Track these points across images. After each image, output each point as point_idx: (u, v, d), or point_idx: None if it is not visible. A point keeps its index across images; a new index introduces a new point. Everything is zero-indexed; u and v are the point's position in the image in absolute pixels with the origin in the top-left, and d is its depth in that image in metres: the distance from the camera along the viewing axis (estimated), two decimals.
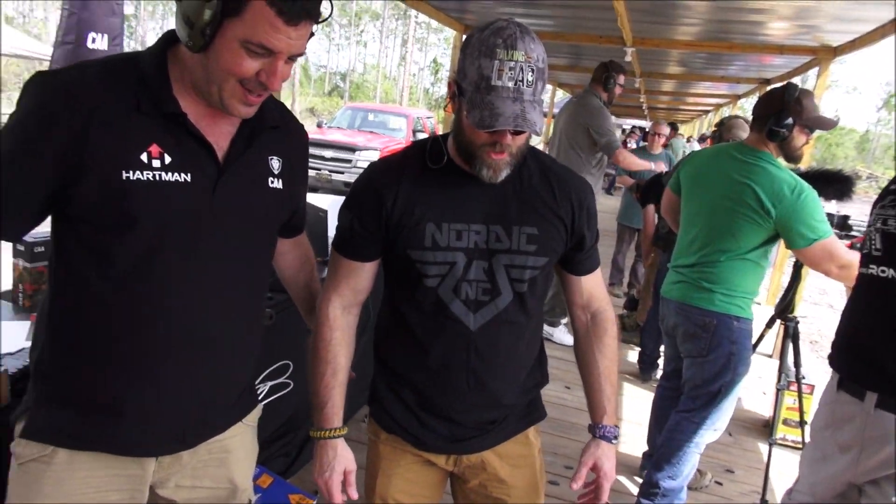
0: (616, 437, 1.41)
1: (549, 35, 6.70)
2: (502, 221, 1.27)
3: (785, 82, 2.25)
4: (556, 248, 1.32)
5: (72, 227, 1.05)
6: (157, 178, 1.02)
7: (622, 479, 2.92)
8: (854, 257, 2.03)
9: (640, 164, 4.80)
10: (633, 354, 4.50)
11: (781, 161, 2.27)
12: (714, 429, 2.43)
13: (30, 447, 1.09)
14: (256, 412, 1.35)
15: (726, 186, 2.26)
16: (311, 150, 10.52)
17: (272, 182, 1.19)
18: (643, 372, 4.17)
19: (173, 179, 1.04)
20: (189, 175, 1.05)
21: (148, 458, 1.15)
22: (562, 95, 16.22)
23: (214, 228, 1.10)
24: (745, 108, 14.49)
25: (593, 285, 1.44)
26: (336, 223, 1.36)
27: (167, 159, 1.03)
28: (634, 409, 3.64)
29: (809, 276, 5.02)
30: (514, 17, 4.96)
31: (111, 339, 1.07)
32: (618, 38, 5.98)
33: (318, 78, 54.77)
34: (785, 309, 2.51)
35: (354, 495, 1.32)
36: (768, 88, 2.38)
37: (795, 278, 2.54)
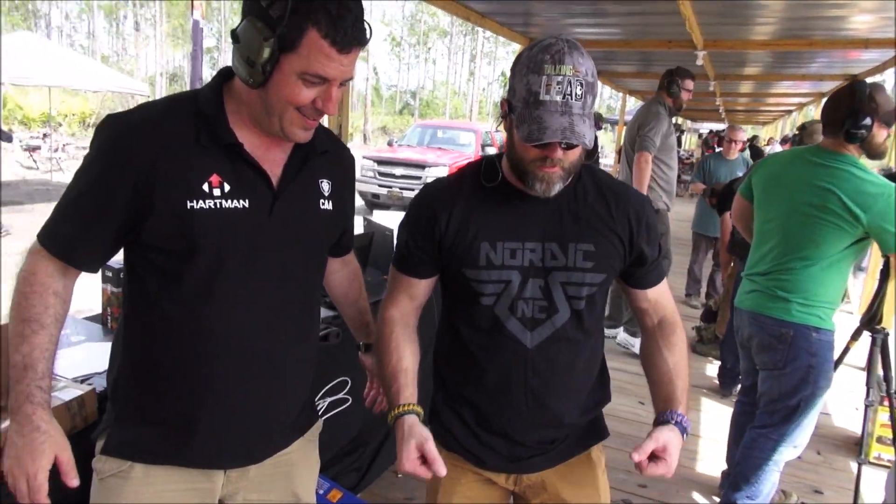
0: (687, 432, 1.25)
1: (617, 43, 6.62)
2: (558, 239, 1.27)
3: (849, 82, 2.15)
4: (614, 264, 1.31)
5: (142, 253, 1.13)
6: (218, 205, 1.10)
7: (699, 497, 2.81)
8: None
9: (643, 180, 4.24)
10: (712, 369, 4.33)
11: (865, 161, 2.16)
12: (794, 446, 2.30)
13: (109, 463, 1.18)
14: (317, 427, 1.40)
15: (806, 192, 2.16)
16: (382, 168, 10.97)
17: (323, 204, 1.24)
18: (723, 387, 4.00)
19: (233, 206, 1.11)
20: (247, 201, 1.12)
21: (217, 471, 1.22)
22: (634, 103, 15.91)
23: (271, 250, 1.16)
24: None
25: (659, 296, 1.41)
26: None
27: (226, 187, 1.11)
28: (713, 425, 3.50)
29: None
30: (580, 27, 4.96)
31: (180, 358, 1.14)
32: (687, 42, 5.82)
33: (389, 97, 55.94)
34: (871, 319, 2.36)
35: (441, 469, 1.19)
36: (834, 90, 2.26)
37: (882, 286, 2.39)
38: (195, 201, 1.08)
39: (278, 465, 1.29)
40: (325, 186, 1.25)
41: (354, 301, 1.54)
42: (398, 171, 10.94)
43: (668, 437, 1.21)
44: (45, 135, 13.27)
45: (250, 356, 1.17)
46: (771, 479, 2.35)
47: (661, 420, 1.27)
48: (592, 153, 1.52)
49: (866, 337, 2.55)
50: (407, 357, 1.33)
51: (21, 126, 17.80)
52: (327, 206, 1.25)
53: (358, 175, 11.79)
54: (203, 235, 1.09)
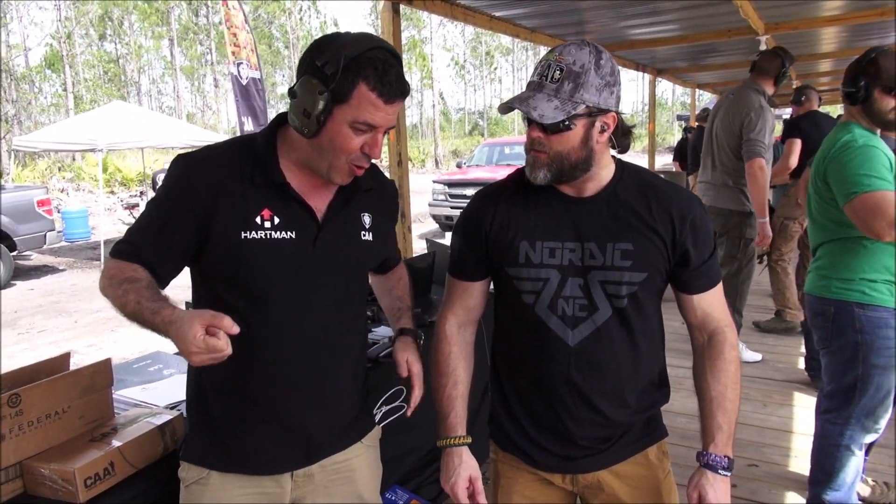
0: (725, 468, 1.30)
1: (675, 39, 6.51)
2: (596, 238, 1.30)
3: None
4: (657, 263, 1.31)
5: (204, 279, 1.29)
6: (268, 236, 1.24)
7: (793, 496, 2.69)
8: None
9: (762, 191, 3.80)
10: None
11: (877, 131, 2.12)
12: (865, 428, 2.19)
13: (191, 471, 1.33)
14: (376, 433, 1.51)
15: (818, 167, 2.20)
16: (453, 191, 11.14)
17: (364, 235, 1.37)
18: (812, 378, 3.80)
19: (281, 237, 1.25)
20: (294, 233, 1.26)
21: (284, 475, 1.34)
22: (710, 97, 15.38)
23: (316, 276, 1.29)
24: None
25: (708, 304, 1.38)
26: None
27: (276, 220, 1.25)
28: (807, 420, 3.33)
29: None
30: (637, 28, 4.90)
31: (240, 375, 1.28)
32: (746, 29, 5.65)
33: (457, 120, 56.60)
34: None
35: (483, 502, 1.35)
36: None
37: None
38: (248, 232, 1.22)
39: (340, 471, 1.40)
40: (367, 219, 1.38)
41: (390, 290, 1.65)
42: (469, 191, 11.05)
43: (699, 484, 1.30)
44: (141, 192, 14.36)
45: (301, 373, 1.29)
46: (852, 467, 2.24)
47: (697, 460, 1.33)
48: (623, 141, 1.52)
49: None
50: (462, 381, 1.42)
51: (122, 187, 19.29)
52: (368, 237, 1.38)
53: (430, 199, 12.05)
54: (254, 261, 1.23)
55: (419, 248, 5.54)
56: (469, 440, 1.40)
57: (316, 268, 1.28)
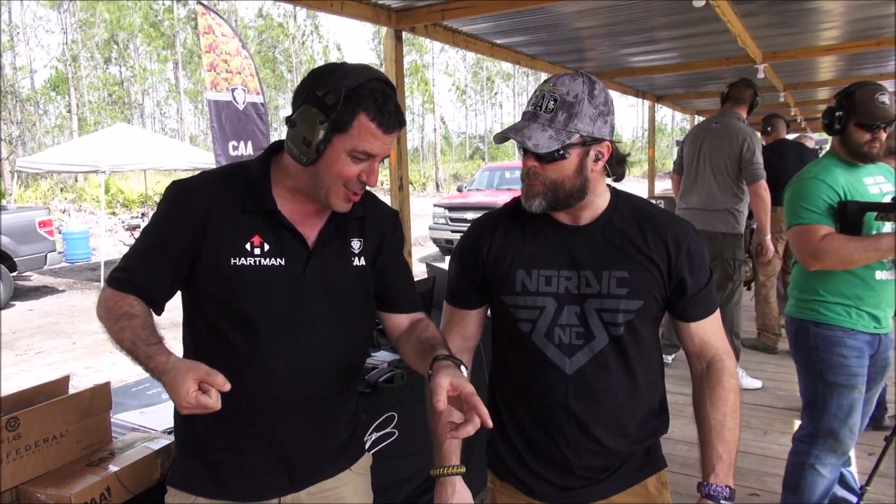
0: (727, 498, 1.30)
1: (674, 67, 6.58)
2: (592, 266, 1.31)
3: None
4: (653, 291, 1.31)
5: (194, 303, 1.30)
6: (258, 262, 1.25)
7: None
8: (833, 245, 1.99)
9: (767, 213, 4.13)
10: None
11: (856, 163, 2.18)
12: (831, 449, 2.20)
13: (178, 497, 1.32)
14: (366, 460, 1.48)
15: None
16: (453, 214, 11.16)
17: (356, 261, 1.37)
18: None
19: (270, 263, 1.26)
20: (283, 259, 1.27)
21: (270, 501, 1.32)
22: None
23: (308, 302, 1.29)
24: None
25: (706, 332, 1.38)
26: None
27: (266, 247, 1.26)
28: None
29: None
30: (635, 56, 5.07)
31: (229, 400, 1.24)
32: (744, 57, 5.72)
33: (458, 144, 56.99)
34: None
35: None
36: None
37: None
38: (238, 258, 1.24)
39: (328, 499, 1.38)
40: (356, 244, 1.37)
41: (418, 335, 1.38)
42: (469, 215, 11.11)
43: None
44: (143, 214, 14.43)
45: (290, 400, 1.29)
46: (818, 487, 2.24)
47: (698, 490, 1.32)
48: (618, 170, 1.59)
49: None
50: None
51: (123, 208, 19.36)
52: (360, 262, 1.37)
53: (431, 223, 12.08)
54: (244, 288, 1.24)
55: (419, 272, 5.55)
56: (463, 470, 1.39)
57: (306, 295, 1.28)
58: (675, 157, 4.46)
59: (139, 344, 1.15)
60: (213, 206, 1.24)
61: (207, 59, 5.73)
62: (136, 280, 1.25)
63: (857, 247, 2.00)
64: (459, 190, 13.72)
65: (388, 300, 1.44)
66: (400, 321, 1.45)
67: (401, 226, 1.49)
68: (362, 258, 1.38)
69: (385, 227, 1.44)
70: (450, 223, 11.32)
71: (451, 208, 11.57)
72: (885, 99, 2.08)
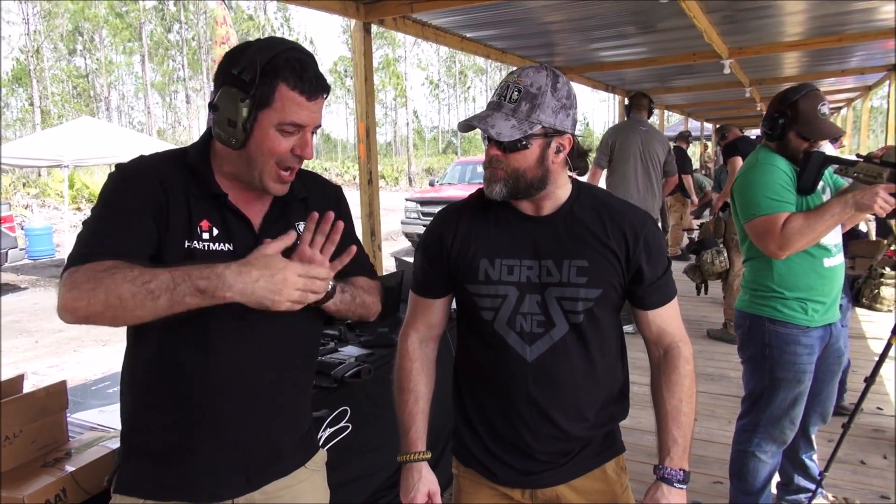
0: (681, 482, 1.32)
1: (642, 62, 6.65)
2: (553, 255, 1.33)
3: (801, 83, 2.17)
4: (612, 280, 1.33)
5: None
6: (208, 247, 1.21)
7: None
8: (797, 226, 1.99)
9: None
10: None
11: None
12: (772, 438, 2.27)
13: (124, 501, 1.25)
14: (321, 457, 1.45)
15: (734, 188, 2.30)
16: (425, 209, 11.11)
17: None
18: None
19: (219, 248, 1.22)
20: (231, 245, 1.23)
21: (223, 502, 1.27)
22: (678, 118, 15.71)
23: None
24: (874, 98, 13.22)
25: (663, 320, 1.41)
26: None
27: (215, 232, 1.22)
28: None
29: None
30: (605, 51, 5.24)
31: (179, 394, 1.22)
32: (711, 53, 5.80)
33: (431, 138, 56.98)
34: None
35: None
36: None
37: None
38: (192, 241, 1.19)
39: (283, 497, 1.33)
40: (302, 227, 1.32)
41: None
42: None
43: (654, 497, 1.32)
44: None
45: (244, 391, 1.24)
46: (761, 473, 2.31)
47: (654, 473, 1.35)
48: (579, 163, 1.60)
49: None
50: (423, 397, 1.43)
51: (88, 203, 18.94)
52: None
53: (403, 217, 12.04)
54: None
55: (391, 265, 5.53)
56: (429, 455, 1.41)
57: None
58: (599, 156, 5.08)
59: (161, 275, 1.03)
60: (170, 186, 1.19)
61: (220, 50, 5.64)
62: (109, 252, 1.09)
63: (815, 220, 2.01)
64: (431, 184, 13.68)
65: (338, 275, 1.39)
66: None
67: (346, 201, 1.45)
68: None
69: (328, 204, 1.38)
70: (422, 217, 11.28)
71: (423, 202, 11.53)
72: (826, 110, 2.13)
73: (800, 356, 2.17)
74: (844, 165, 2.08)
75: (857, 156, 2.07)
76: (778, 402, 2.22)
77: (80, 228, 1.18)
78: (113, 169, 1.23)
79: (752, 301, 2.26)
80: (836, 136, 2.21)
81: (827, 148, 2.26)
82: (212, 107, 1.19)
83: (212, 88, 1.26)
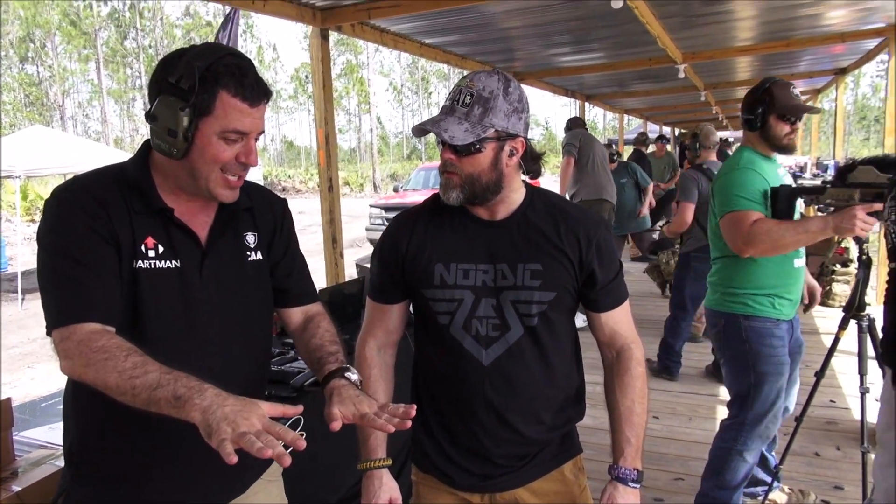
0: (635, 481, 1.34)
1: (601, 67, 6.76)
2: (507, 259, 1.34)
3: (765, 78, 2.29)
4: (565, 283, 1.35)
5: None
6: (154, 266, 1.17)
7: None
8: (765, 229, 2.07)
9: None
10: None
11: (776, 156, 2.30)
12: (758, 435, 2.32)
13: None
14: (276, 467, 1.41)
15: (712, 188, 2.37)
16: (390, 215, 11.08)
17: (250, 255, 1.31)
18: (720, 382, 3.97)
19: (165, 266, 1.18)
20: (178, 261, 1.19)
21: None
22: (638, 122, 15.96)
23: (208, 304, 1.22)
24: (823, 101, 13.65)
25: (616, 322, 1.43)
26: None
27: (160, 249, 1.18)
28: None
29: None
30: (563, 56, 5.37)
31: (130, 412, 1.14)
32: (665, 58, 5.93)
33: (396, 144, 56.89)
34: (852, 306, 2.34)
35: None
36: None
37: (863, 274, 2.38)
38: (138, 261, 1.16)
39: None
40: (251, 238, 1.31)
41: (307, 341, 1.41)
42: None
43: (611, 495, 1.33)
44: None
45: None
46: (738, 470, 2.36)
47: (609, 473, 1.37)
48: (533, 166, 1.63)
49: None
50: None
51: None
52: (255, 256, 1.31)
53: (367, 223, 11.98)
54: (145, 293, 1.15)
55: (354, 273, 5.50)
56: (389, 462, 1.40)
57: (206, 295, 1.21)
58: (571, 148, 5.68)
59: (150, 374, 1.01)
60: (112, 207, 1.14)
61: None
62: (94, 308, 1.08)
63: (787, 229, 2.08)
64: (396, 190, 13.67)
65: (280, 294, 1.39)
66: (293, 315, 1.42)
67: (290, 215, 1.43)
68: (258, 252, 1.32)
69: (275, 217, 1.38)
70: (386, 223, 11.19)
71: (387, 209, 11.51)
72: (797, 92, 2.25)
73: (776, 348, 2.25)
74: (814, 194, 2.15)
75: (823, 182, 2.17)
76: (763, 398, 2.27)
77: (34, 241, 1.14)
78: (52, 191, 1.17)
79: (724, 299, 2.32)
80: (812, 113, 2.28)
81: (778, 163, 2.34)
82: (149, 117, 1.15)
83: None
